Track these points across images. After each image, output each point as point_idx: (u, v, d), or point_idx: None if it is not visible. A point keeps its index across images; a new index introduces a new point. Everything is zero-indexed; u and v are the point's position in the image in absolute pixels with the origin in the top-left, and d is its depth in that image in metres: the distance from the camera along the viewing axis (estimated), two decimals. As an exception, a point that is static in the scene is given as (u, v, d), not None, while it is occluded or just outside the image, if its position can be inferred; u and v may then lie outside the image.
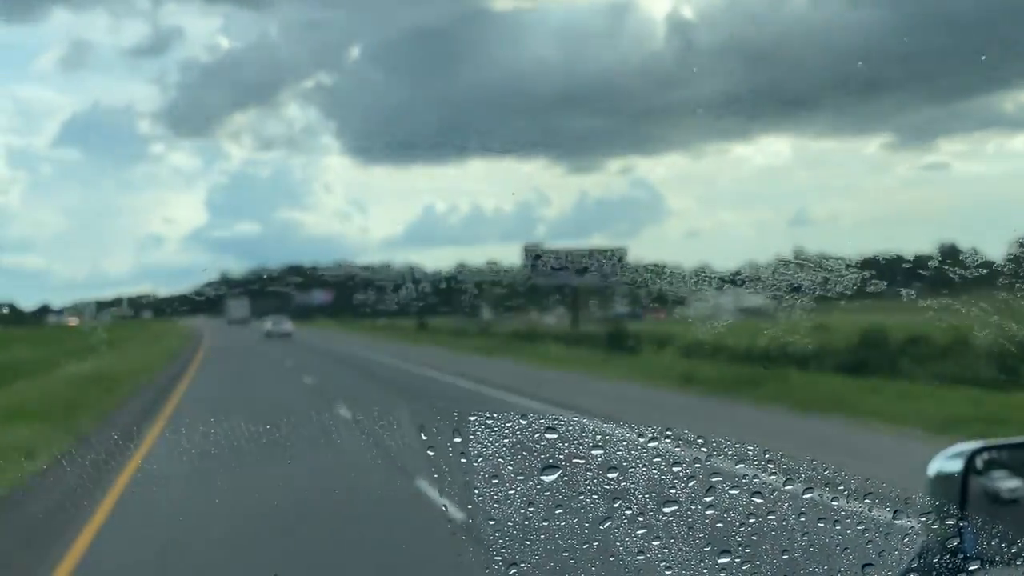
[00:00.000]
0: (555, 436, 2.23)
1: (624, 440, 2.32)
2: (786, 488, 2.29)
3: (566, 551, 2.19)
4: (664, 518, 2.16)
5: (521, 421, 2.20)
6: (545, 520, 2.18)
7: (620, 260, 10.72)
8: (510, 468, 2.19)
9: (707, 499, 2.23)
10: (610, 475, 2.24)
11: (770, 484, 2.27)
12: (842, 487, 2.29)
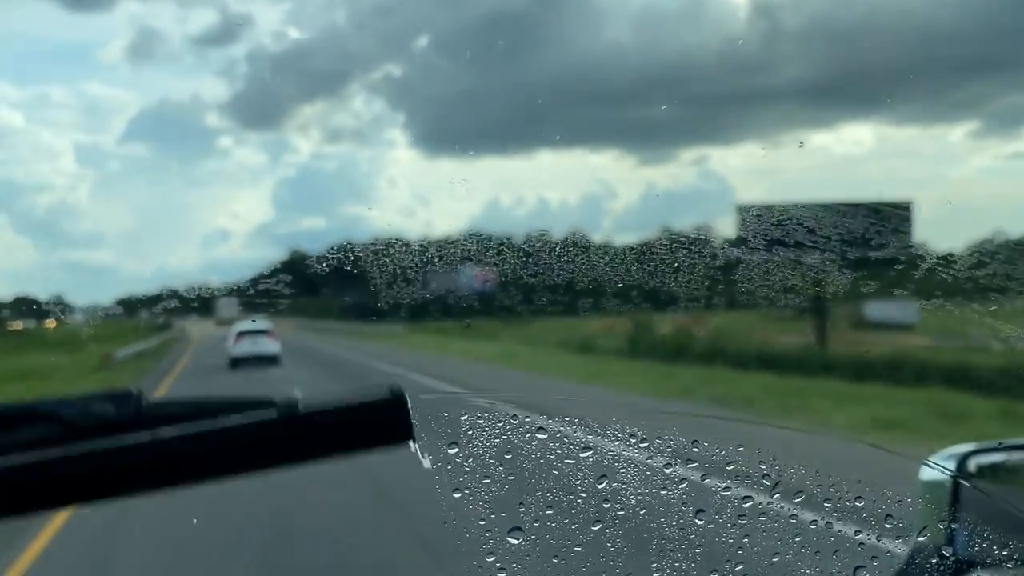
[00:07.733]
0: (545, 436, 2.22)
1: (615, 442, 2.31)
2: (776, 491, 2.28)
3: (555, 556, 2.17)
4: (655, 520, 2.15)
5: (512, 421, 2.18)
6: (536, 521, 2.17)
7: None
8: (500, 469, 2.17)
9: (698, 502, 2.22)
10: (601, 477, 2.23)
11: (761, 487, 2.26)
12: (834, 490, 2.28)
